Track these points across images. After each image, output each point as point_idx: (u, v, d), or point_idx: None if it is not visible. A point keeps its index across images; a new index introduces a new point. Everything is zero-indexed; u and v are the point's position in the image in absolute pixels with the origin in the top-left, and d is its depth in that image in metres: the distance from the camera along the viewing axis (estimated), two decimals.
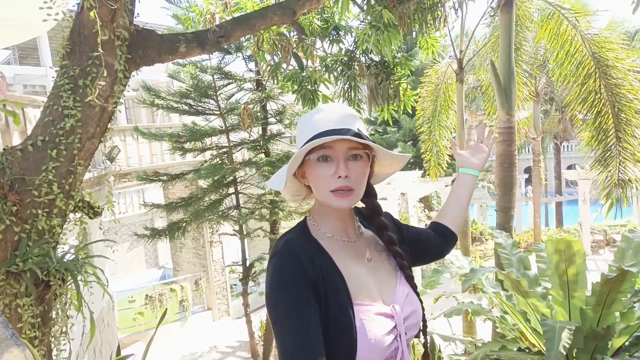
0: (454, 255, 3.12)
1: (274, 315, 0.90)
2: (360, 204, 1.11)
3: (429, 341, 1.20)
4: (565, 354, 2.15)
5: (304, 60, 4.44)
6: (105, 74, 2.45)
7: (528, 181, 22.38)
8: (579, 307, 2.60)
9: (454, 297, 3.31)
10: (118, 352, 2.97)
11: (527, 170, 24.33)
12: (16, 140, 5.14)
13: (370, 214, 1.12)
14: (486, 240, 15.01)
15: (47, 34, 12.80)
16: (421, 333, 1.07)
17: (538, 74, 10.15)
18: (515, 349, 2.77)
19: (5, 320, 1.07)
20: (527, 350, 2.83)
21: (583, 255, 2.57)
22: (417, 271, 11.57)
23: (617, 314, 2.69)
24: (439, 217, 1.33)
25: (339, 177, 0.95)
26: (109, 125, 2.75)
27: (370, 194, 1.09)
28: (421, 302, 1.07)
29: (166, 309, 2.95)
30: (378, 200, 1.13)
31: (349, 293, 0.95)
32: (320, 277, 0.93)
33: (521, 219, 17.60)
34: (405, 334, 0.99)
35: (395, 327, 0.96)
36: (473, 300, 3.14)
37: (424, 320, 1.07)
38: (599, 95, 4.92)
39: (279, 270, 0.93)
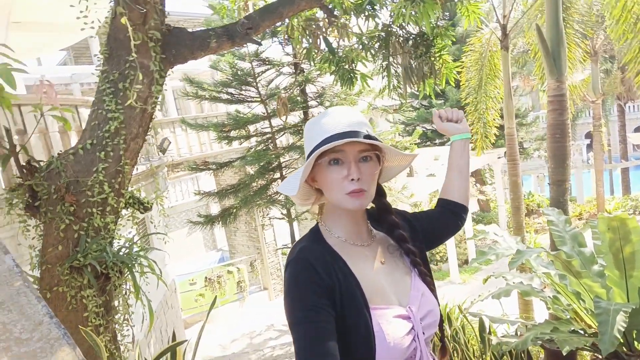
0: (501, 236, 3.01)
1: (290, 321, 0.92)
2: (370, 205, 1.10)
3: (445, 336, 1.20)
4: (620, 337, 2.04)
5: (339, 40, 4.37)
6: (141, 77, 2.54)
7: (589, 147, 20.95)
8: (638, 287, 2.44)
9: (503, 277, 3.20)
10: (174, 338, 3.16)
11: (588, 135, 22.82)
12: (74, 139, 5.48)
13: (381, 214, 1.11)
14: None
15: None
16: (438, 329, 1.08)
17: (592, 34, 9.31)
18: (568, 331, 2.66)
19: (57, 321, 1.15)
20: (582, 332, 2.71)
21: (639, 232, 2.40)
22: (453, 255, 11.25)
23: None
24: (445, 192, 1.30)
25: (352, 179, 0.95)
26: (152, 122, 2.87)
27: (380, 194, 1.09)
28: (437, 298, 1.08)
29: (216, 296, 3.11)
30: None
31: (365, 297, 0.95)
32: (335, 283, 0.94)
33: (582, 189, 16.60)
34: (423, 333, 0.99)
35: (412, 328, 0.97)
36: (523, 281, 3.03)
37: (441, 318, 1.08)
38: None
39: (294, 278, 0.95)
